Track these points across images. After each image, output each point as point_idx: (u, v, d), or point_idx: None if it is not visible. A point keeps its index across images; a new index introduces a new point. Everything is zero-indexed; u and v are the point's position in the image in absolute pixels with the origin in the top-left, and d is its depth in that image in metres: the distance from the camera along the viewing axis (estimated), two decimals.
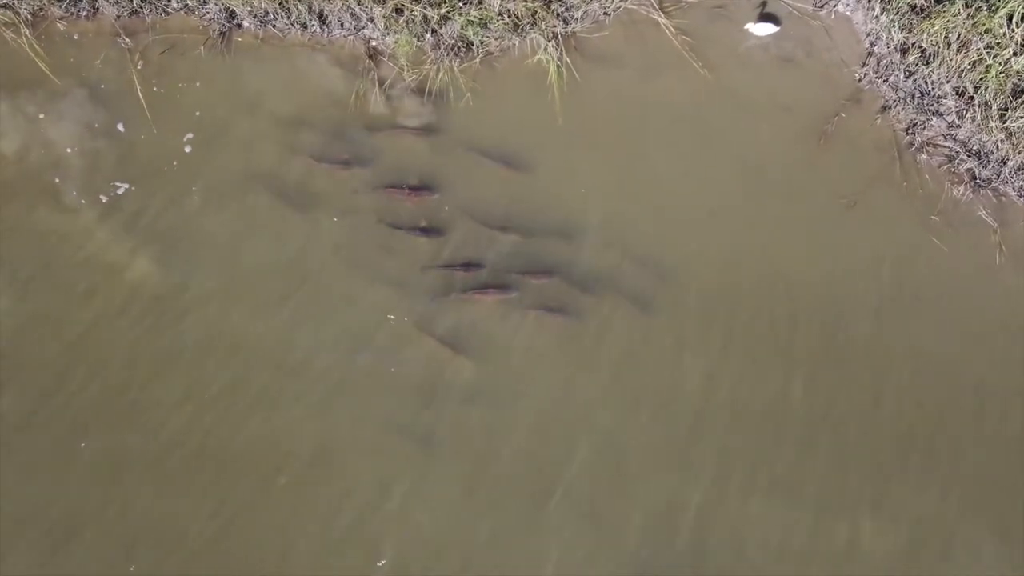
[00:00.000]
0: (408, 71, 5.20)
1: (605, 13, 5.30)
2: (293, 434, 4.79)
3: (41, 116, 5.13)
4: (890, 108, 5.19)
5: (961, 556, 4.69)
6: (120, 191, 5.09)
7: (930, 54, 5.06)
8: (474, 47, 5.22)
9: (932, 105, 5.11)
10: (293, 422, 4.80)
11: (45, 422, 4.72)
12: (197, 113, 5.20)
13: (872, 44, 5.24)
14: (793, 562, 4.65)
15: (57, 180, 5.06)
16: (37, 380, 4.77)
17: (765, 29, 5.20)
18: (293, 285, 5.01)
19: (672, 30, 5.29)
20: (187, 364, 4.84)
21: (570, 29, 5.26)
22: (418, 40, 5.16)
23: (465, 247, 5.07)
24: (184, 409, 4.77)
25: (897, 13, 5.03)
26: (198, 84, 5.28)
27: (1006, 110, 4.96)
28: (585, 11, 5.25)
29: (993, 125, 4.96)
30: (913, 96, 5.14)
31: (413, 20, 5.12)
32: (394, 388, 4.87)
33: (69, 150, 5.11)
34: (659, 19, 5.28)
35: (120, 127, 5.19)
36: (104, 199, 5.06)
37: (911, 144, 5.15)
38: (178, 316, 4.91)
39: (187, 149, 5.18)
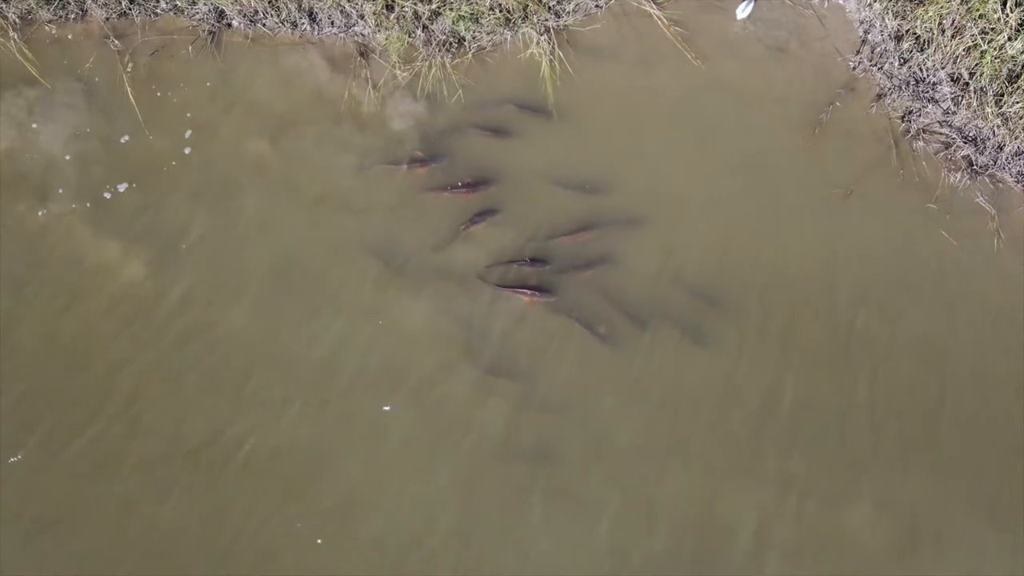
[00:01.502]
0: (400, 68, 5.17)
1: (597, 6, 5.27)
2: (290, 444, 4.75)
3: (31, 119, 5.10)
4: (885, 96, 5.16)
5: (970, 547, 4.65)
6: (110, 193, 5.06)
7: (924, 41, 5.04)
8: (466, 42, 5.19)
9: (927, 92, 5.08)
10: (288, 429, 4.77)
11: (34, 421, 4.68)
12: (188, 114, 5.18)
13: (866, 32, 5.21)
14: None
15: (47, 182, 5.03)
16: (25, 377, 4.73)
17: (743, 10, 5.17)
18: (294, 283, 4.98)
19: (665, 22, 5.26)
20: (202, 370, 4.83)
21: (562, 23, 5.23)
22: (409, 36, 5.13)
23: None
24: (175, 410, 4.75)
25: (891, 0, 5.00)
26: (188, 85, 5.26)
27: (1002, 95, 4.93)
28: (577, 4, 5.22)
29: (989, 111, 4.93)
30: (908, 83, 5.11)
31: (404, 16, 5.09)
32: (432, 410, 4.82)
33: (59, 152, 5.08)
34: (651, 11, 5.25)
35: (110, 129, 5.16)
36: (95, 200, 5.04)
37: (907, 132, 5.12)
38: (167, 317, 4.88)
39: (186, 151, 5.16)
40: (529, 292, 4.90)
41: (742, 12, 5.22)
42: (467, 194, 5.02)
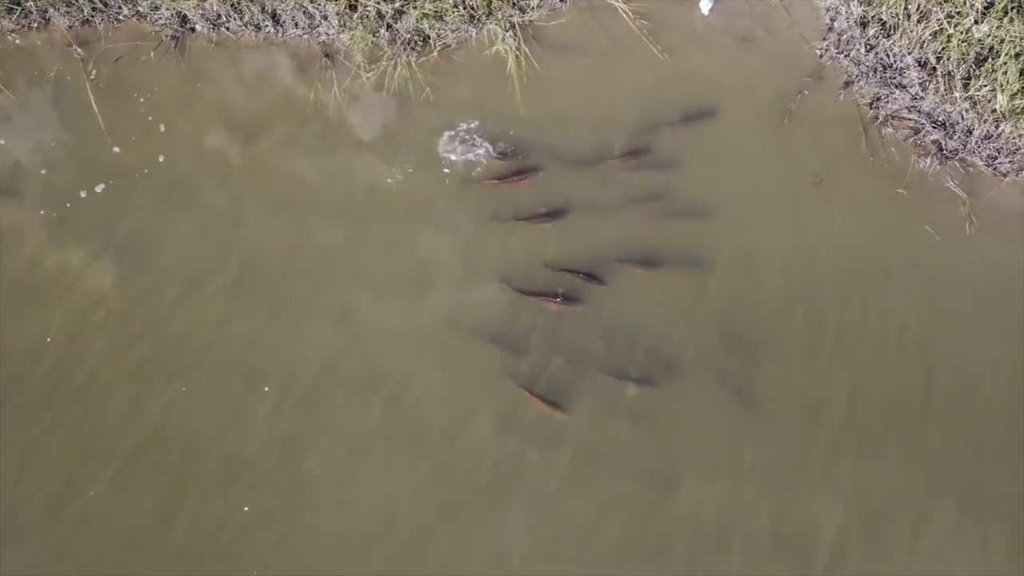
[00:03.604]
0: (365, 68, 5.14)
1: (562, 0, 5.24)
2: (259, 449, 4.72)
3: None
4: (853, 83, 5.14)
5: (944, 537, 4.61)
6: (77, 200, 5.03)
7: (890, 26, 5.01)
8: (431, 41, 5.16)
9: (895, 78, 5.06)
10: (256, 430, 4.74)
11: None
12: (151, 119, 5.15)
13: (832, 19, 5.18)
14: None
15: (13, 190, 4.99)
16: None
17: (706, 5, 5.15)
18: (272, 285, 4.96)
19: (630, 15, 5.23)
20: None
21: (527, 18, 5.20)
22: (373, 36, 5.10)
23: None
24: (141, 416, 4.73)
25: None
26: (154, 90, 5.23)
27: (969, 79, 4.91)
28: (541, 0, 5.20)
29: (957, 95, 4.91)
30: (875, 70, 5.09)
31: (367, 16, 5.06)
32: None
33: (24, 161, 5.05)
34: (617, 4, 5.23)
35: (76, 137, 5.13)
36: (60, 208, 5.00)
37: (876, 118, 5.10)
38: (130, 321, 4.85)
39: (160, 158, 5.12)
40: (558, 299, 4.83)
41: (705, 7, 5.20)
42: (518, 182, 5.00)
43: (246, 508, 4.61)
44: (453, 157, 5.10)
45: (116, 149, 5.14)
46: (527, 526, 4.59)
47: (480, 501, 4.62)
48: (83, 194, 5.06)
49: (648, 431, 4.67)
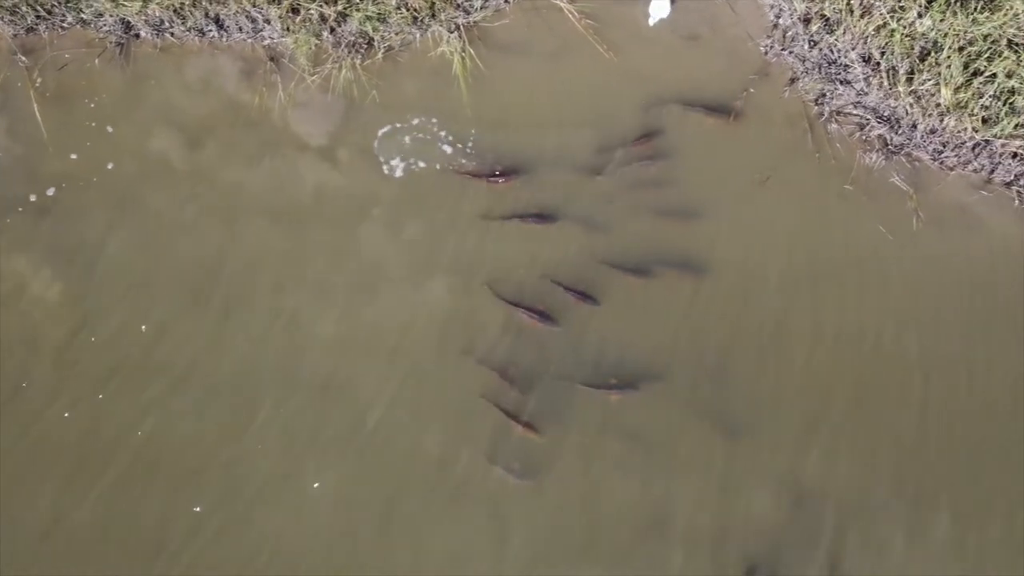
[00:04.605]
0: (309, 71, 5.12)
1: (506, 1, 5.23)
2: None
3: None
4: (798, 80, 5.12)
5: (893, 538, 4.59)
6: (25, 205, 5.01)
7: (834, 22, 5.00)
8: (375, 43, 5.15)
9: (839, 74, 5.04)
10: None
11: None
12: (95, 125, 5.13)
13: (777, 16, 5.17)
14: None
15: None
16: None
17: (658, 10, 5.14)
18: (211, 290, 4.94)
19: (576, 14, 5.22)
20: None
21: (472, 19, 5.19)
22: (316, 39, 5.09)
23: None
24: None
25: None
26: (100, 97, 5.22)
27: (913, 74, 4.89)
28: (486, 0, 5.18)
29: (901, 90, 4.89)
30: (820, 66, 5.07)
31: (310, 19, 5.04)
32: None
33: None
34: (562, 4, 5.21)
35: (22, 146, 5.12)
36: (10, 213, 4.99)
37: (821, 115, 5.08)
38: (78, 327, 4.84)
39: (109, 166, 5.11)
40: (535, 315, 4.81)
41: (655, 17, 5.18)
42: (503, 182, 5.00)
43: (197, 509, 4.60)
44: (398, 160, 5.08)
45: (73, 156, 5.13)
46: (488, 530, 4.59)
47: (438, 507, 4.63)
48: (33, 198, 5.04)
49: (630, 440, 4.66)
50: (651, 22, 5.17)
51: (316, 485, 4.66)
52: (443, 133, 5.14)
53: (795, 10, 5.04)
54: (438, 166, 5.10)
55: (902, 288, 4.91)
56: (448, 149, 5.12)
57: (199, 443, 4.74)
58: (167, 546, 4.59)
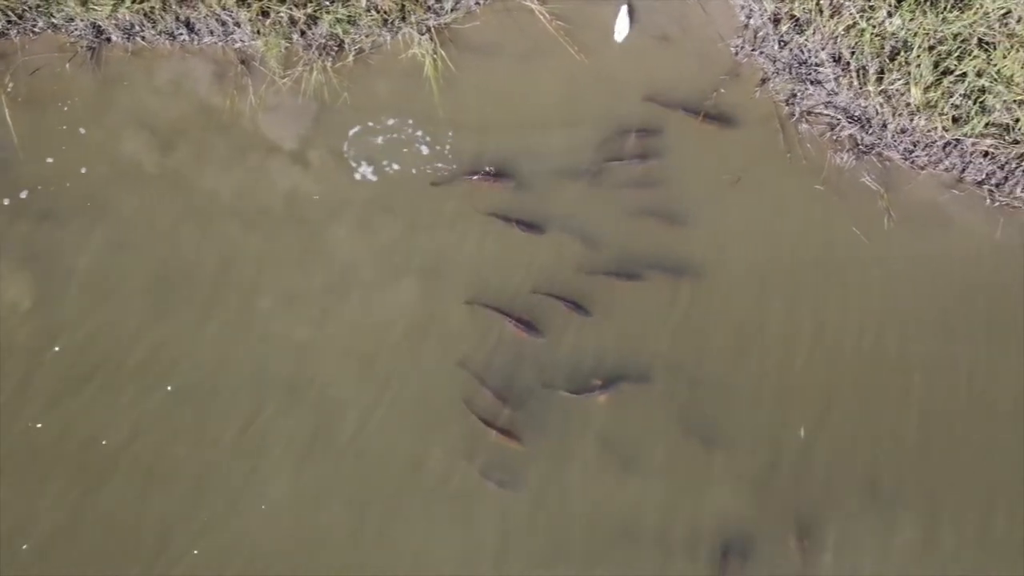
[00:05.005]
0: (280, 74, 5.12)
1: (477, 3, 5.23)
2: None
3: None
4: (769, 80, 5.11)
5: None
6: None
7: (803, 22, 4.99)
8: (345, 45, 5.14)
9: (810, 74, 5.04)
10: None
11: None
12: (64, 127, 5.13)
13: (748, 16, 5.17)
14: None
15: None
16: None
17: (621, 28, 5.13)
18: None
19: (547, 16, 5.21)
20: None
21: (442, 21, 5.18)
22: (287, 42, 5.09)
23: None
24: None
25: None
26: (72, 102, 5.20)
27: (883, 73, 4.89)
28: (457, 2, 5.17)
29: (871, 89, 4.89)
30: (791, 66, 5.07)
31: (280, 22, 5.04)
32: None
33: None
34: (533, 6, 5.21)
35: None
36: None
37: (792, 115, 5.07)
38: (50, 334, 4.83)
39: (83, 170, 5.10)
40: (520, 325, 4.78)
41: (620, 34, 5.18)
42: (491, 183, 4.99)
43: (163, 511, 4.59)
44: (371, 161, 5.08)
45: (50, 160, 5.12)
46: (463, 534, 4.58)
47: (414, 511, 4.63)
48: (6, 202, 5.04)
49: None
50: (619, 39, 5.17)
51: (289, 489, 4.65)
52: (419, 133, 5.13)
53: (765, 10, 5.04)
54: (414, 170, 5.09)
55: (874, 288, 4.91)
56: (425, 150, 5.11)
57: (171, 447, 4.73)
58: (142, 552, 4.57)
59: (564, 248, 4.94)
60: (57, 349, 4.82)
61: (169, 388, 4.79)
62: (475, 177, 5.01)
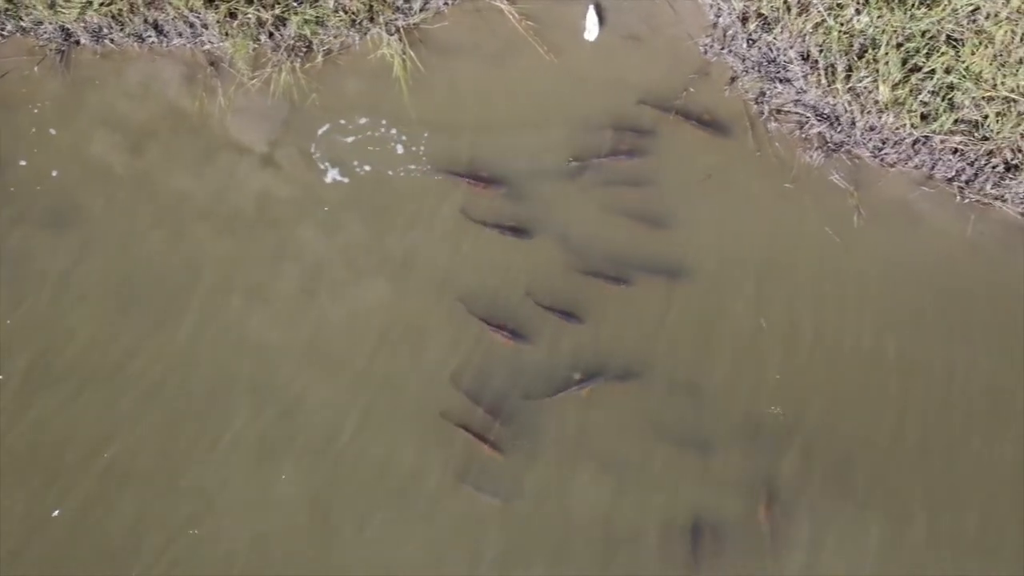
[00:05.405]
0: (249, 75, 5.11)
1: (446, 3, 5.22)
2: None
3: None
4: (738, 79, 5.10)
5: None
6: None
7: (772, 20, 4.98)
8: (314, 46, 5.14)
9: (779, 72, 5.03)
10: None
11: None
12: (33, 130, 5.12)
13: (717, 15, 5.16)
14: None
15: None
16: None
17: (591, 27, 5.12)
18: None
19: (516, 16, 5.21)
20: None
21: (411, 21, 5.18)
22: (255, 43, 5.08)
23: None
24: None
25: None
26: (41, 105, 5.19)
27: (851, 71, 4.88)
28: (424, 2, 5.17)
29: (839, 87, 4.88)
30: (760, 64, 5.06)
31: (247, 23, 5.03)
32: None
33: None
34: (502, 5, 5.20)
35: None
36: None
37: (761, 113, 5.06)
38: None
39: (54, 173, 5.09)
40: (506, 333, 4.74)
41: (591, 34, 5.17)
42: (482, 189, 4.95)
43: (133, 513, 4.57)
44: (334, 163, 5.07)
45: (23, 163, 5.11)
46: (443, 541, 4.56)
47: (395, 517, 4.60)
48: None
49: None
50: (590, 38, 5.15)
51: (272, 493, 4.61)
52: (394, 132, 5.12)
53: (734, 9, 5.03)
54: (390, 172, 5.07)
55: (845, 285, 4.89)
56: (400, 149, 5.10)
57: (141, 450, 4.70)
58: (114, 555, 4.55)
59: (541, 251, 4.90)
60: (27, 353, 4.80)
61: (139, 390, 4.76)
62: (468, 181, 4.96)
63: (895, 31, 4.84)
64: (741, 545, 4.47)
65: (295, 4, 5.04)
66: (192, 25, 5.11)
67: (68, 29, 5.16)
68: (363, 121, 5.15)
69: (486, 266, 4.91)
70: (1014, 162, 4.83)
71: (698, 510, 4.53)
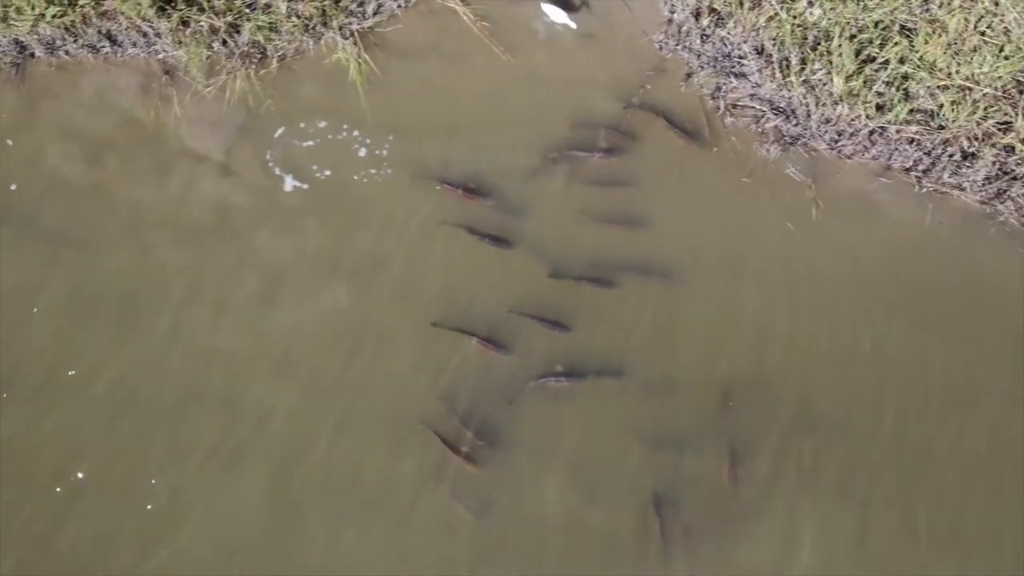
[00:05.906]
0: (203, 83, 5.10)
1: (400, 6, 5.21)
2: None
3: None
4: (694, 75, 5.10)
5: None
6: None
7: (724, 15, 4.98)
8: (268, 52, 5.13)
9: (733, 67, 5.03)
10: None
11: None
12: None
13: (672, 11, 5.15)
14: None
15: None
16: None
17: (558, 15, 5.12)
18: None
19: (471, 17, 5.20)
20: None
21: (365, 25, 5.17)
22: (209, 50, 5.07)
23: None
24: None
25: None
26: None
27: (805, 63, 4.87)
28: (378, 6, 5.16)
29: (793, 80, 4.87)
30: (715, 60, 5.05)
31: (200, 32, 5.02)
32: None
33: None
34: (456, 7, 5.20)
35: None
36: None
37: (717, 109, 5.05)
38: None
39: (12, 187, 5.07)
40: (483, 342, 4.68)
41: (556, 16, 5.16)
42: (469, 199, 4.90)
43: (103, 529, 4.52)
44: (291, 169, 5.06)
45: None
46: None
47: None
48: None
49: None
50: (573, 26, 5.14)
51: (245, 505, 4.57)
52: (356, 134, 5.11)
53: (687, 4, 5.03)
54: (355, 176, 5.06)
55: (804, 278, 4.86)
56: (362, 152, 5.08)
57: (106, 462, 4.67)
58: (81, 569, 4.52)
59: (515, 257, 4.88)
60: None
61: (102, 403, 4.73)
62: (459, 191, 4.92)
63: (848, 22, 4.84)
64: (712, 540, 4.44)
65: (248, 11, 5.03)
66: (145, 34, 5.10)
67: (22, 42, 5.15)
68: (322, 125, 5.14)
69: (459, 270, 4.88)
70: (971, 150, 4.82)
71: (669, 503, 4.49)
